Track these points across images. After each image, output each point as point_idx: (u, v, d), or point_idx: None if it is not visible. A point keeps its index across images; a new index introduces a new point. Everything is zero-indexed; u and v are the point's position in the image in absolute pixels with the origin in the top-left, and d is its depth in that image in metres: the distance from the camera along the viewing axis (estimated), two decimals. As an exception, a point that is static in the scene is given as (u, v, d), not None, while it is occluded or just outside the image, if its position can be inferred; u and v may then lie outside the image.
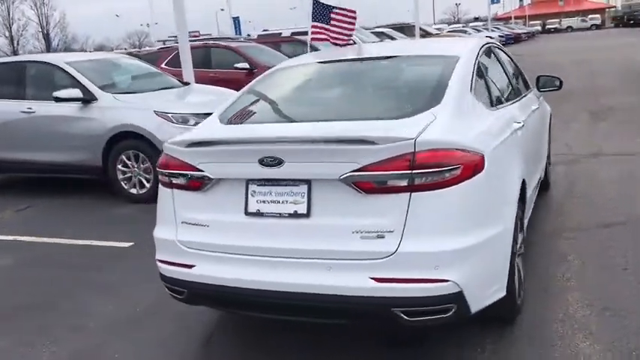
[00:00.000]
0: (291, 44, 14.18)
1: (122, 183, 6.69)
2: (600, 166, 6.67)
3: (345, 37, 6.58)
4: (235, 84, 6.94)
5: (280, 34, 17.22)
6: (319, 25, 6.50)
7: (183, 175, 3.06)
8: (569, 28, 69.93)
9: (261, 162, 2.82)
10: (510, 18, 67.94)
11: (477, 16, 77.70)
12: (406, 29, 24.27)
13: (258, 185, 2.90)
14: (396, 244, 2.66)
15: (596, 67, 18.74)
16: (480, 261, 2.76)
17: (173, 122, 6.34)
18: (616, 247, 4.30)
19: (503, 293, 2.96)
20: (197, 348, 3.48)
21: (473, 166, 2.74)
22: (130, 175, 6.66)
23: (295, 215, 2.83)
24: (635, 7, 65.57)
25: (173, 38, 19.56)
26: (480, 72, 3.59)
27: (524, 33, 53.18)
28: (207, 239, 3.00)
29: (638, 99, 11.31)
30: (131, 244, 5.24)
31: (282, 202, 2.86)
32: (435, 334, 3.27)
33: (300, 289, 2.78)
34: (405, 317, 2.70)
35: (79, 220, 6.22)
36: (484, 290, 2.86)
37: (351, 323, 3.15)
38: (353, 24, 6.68)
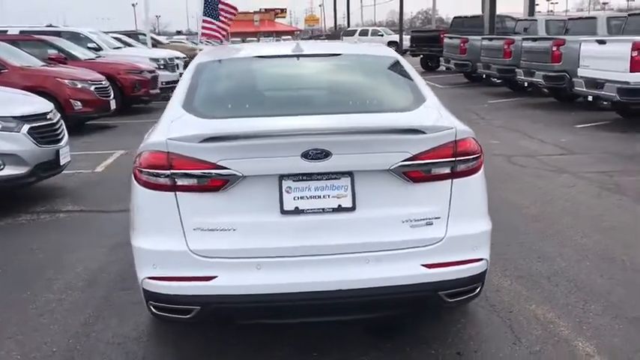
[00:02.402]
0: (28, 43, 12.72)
1: None
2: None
3: (225, 33, 6.24)
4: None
5: (6, 31, 15.09)
6: (209, 20, 6.02)
7: (197, 175, 2.67)
8: (265, 45, 75.62)
9: (305, 155, 2.65)
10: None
11: (179, 30, 78.48)
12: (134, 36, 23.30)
13: (294, 181, 2.71)
14: (444, 229, 2.78)
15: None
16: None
17: None
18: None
19: None
20: None
21: (482, 155, 3.00)
22: None
23: (339, 210, 2.72)
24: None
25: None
26: None
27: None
28: (233, 245, 2.68)
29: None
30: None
31: (324, 196, 2.72)
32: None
33: (349, 286, 2.69)
34: (448, 299, 2.83)
35: None
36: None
37: (396, 313, 3.13)
38: (232, 20, 6.37)
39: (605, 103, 9.92)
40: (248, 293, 2.67)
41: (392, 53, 3.89)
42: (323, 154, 2.65)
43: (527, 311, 3.50)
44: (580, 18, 15.83)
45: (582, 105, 11.23)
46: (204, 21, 5.66)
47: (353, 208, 2.73)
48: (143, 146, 2.84)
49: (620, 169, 6.98)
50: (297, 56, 3.58)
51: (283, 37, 77.91)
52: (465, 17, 22.02)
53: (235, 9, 5.98)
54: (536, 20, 17.48)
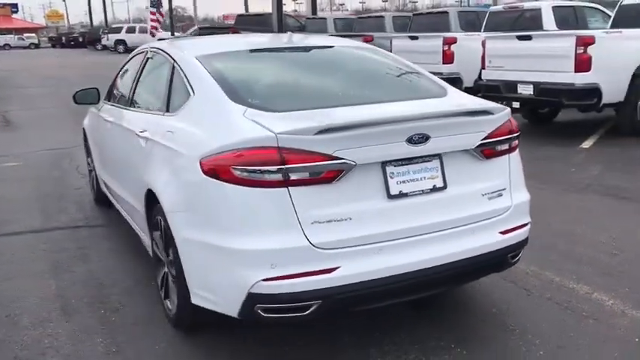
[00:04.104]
0: None
1: None
2: None
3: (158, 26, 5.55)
4: None
5: None
6: (154, 11, 5.23)
7: (313, 168, 2.63)
8: (7, 46, 67.75)
9: (410, 140, 2.78)
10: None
11: None
12: None
13: (395, 166, 2.82)
14: (510, 199, 3.14)
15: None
16: None
17: None
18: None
19: None
20: None
21: None
22: None
23: (435, 189, 2.91)
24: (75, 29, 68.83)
25: None
26: None
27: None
28: (351, 234, 2.70)
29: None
30: None
31: (420, 178, 2.88)
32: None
33: (446, 260, 2.88)
34: (511, 260, 3.20)
35: None
36: None
37: (474, 280, 3.35)
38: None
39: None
40: (369, 279, 2.71)
41: (364, 44, 4.14)
42: (424, 138, 2.81)
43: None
44: (369, 16, 17.40)
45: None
46: (151, 13, 5.07)
47: (444, 187, 2.93)
48: (234, 143, 2.68)
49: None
50: (305, 48, 3.64)
51: (26, 35, 70.79)
52: (250, 15, 22.61)
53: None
54: (325, 19, 18.74)
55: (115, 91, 5.04)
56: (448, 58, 10.71)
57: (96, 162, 5.51)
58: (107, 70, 10.37)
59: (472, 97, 3.41)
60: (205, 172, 2.77)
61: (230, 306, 2.80)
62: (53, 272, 4.32)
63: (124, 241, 4.88)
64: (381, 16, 16.21)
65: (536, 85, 8.40)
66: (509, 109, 3.15)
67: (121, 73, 5.10)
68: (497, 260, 3.11)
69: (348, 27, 17.55)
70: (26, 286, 4.08)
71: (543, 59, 8.35)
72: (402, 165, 2.83)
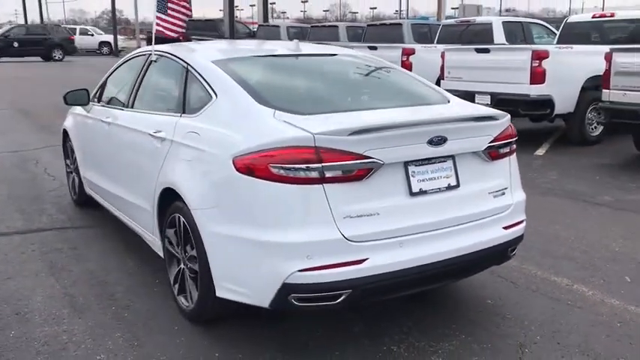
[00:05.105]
0: None
1: None
2: None
3: (180, 30, 5.49)
4: None
5: None
6: (160, 16, 5.16)
7: (347, 166, 2.84)
8: None
9: (430, 142, 3.03)
10: None
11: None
12: None
13: (416, 166, 3.06)
14: (511, 197, 3.44)
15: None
16: None
17: None
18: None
19: None
20: None
21: None
22: None
23: (449, 188, 3.17)
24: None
25: None
26: None
27: None
28: (378, 228, 2.92)
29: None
30: None
31: (437, 177, 3.13)
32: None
33: (460, 253, 3.15)
34: (510, 254, 3.50)
35: None
36: None
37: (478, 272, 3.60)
38: (188, 15, 5.63)
39: None
40: (394, 270, 2.94)
41: (363, 54, 4.41)
42: (442, 140, 3.07)
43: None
44: (323, 26, 17.73)
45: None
46: (157, 17, 5.09)
47: (458, 186, 3.20)
48: (272, 142, 2.86)
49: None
50: (312, 56, 3.89)
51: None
52: (200, 20, 22.53)
53: (188, 1, 5.47)
54: (278, 27, 18.94)
55: (107, 93, 5.08)
56: (407, 68, 11.11)
57: (81, 163, 5.50)
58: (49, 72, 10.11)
59: (471, 104, 3.71)
60: (238, 170, 2.93)
61: (261, 297, 2.96)
62: (51, 271, 4.33)
63: (115, 241, 4.92)
64: (335, 26, 16.58)
65: (494, 96, 8.88)
66: (509, 116, 3.45)
67: (113, 75, 5.15)
68: (500, 253, 3.40)
69: (302, 36, 17.80)
70: (28, 285, 4.08)
71: (500, 71, 8.85)
72: (422, 165, 3.08)
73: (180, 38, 5.63)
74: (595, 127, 9.17)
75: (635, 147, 8.41)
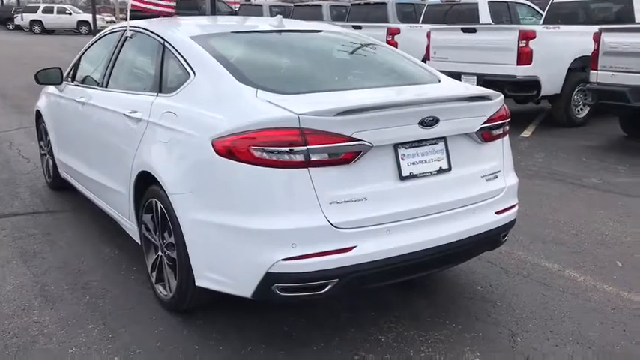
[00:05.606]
0: None
1: None
2: None
3: (165, 3, 5.21)
4: None
5: None
6: None
7: (333, 149, 2.67)
8: None
9: (422, 123, 2.87)
10: None
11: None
12: None
13: (406, 148, 2.90)
14: (503, 181, 3.30)
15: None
16: None
17: None
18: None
19: None
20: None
21: None
22: None
23: (441, 171, 3.02)
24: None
25: None
26: None
27: None
28: (366, 214, 2.77)
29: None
30: None
31: (428, 160, 2.98)
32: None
33: (453, 239, 3.01)
34: (502, 239, 3.38)
35: None
36: None
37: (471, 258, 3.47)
38: None
39: None
40: (383, 257, 2.79)
41: (349, 30, 4.24)
42: (434, 121, 2.91)
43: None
44: (306, 5, 17.42)
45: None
46: None
47: (449, 169, 3.05)
48: (253, 123, 2.68)
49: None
50: (296, 32, 3.72)
51: None
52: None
53: None
54: (261, 5, 18.60)
55: (81, 71, 4.84)
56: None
57: (55, 145, 5.27)
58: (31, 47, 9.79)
59: (463, 83, 3.55)
60: (218, 153, 2.75)
61: (243, 286, 2.81)
62: (22, 259, 4.14)
63: (91, 227, 4.73)
64: (319, 5, 16.28)
65: (480, 77, 8.73)
66: (502, 96, 3.30)
67: (87, 53, 4.91)
68: (493, 239, 3.27)
69: (285, 15, 17.48)
70: (-3, 273, 3.89)
71: (487, 52, 8.70)
72: (412, 147, 2.92)
73: (172, 13, 5.35)
74: (581, 109, 9.08)
75: (621, 129, 8.34)
